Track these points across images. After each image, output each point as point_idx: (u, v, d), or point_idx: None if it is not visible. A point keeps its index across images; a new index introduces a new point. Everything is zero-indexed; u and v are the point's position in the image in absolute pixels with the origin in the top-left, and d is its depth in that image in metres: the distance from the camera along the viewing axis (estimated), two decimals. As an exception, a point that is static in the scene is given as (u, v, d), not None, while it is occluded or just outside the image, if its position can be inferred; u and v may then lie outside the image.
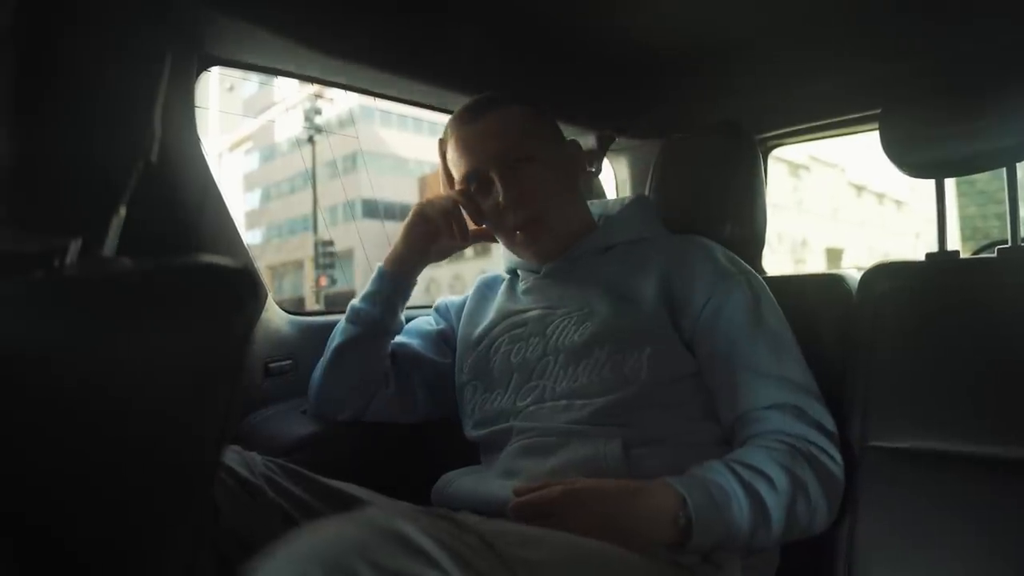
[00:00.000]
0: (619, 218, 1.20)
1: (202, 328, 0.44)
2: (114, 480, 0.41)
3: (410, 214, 1.17)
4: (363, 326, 1.15)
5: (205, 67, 1.14)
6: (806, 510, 0.92)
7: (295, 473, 0.92)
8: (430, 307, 1.36)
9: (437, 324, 1.30)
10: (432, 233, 1.16)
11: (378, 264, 1.19)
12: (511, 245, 1.19)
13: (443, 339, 1.28)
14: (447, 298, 1.35)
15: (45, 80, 0.44)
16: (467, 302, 1.29)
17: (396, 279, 1.17)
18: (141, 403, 0.41)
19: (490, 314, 1.20)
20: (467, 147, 1.13)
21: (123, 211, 0.49)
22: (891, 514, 1.01)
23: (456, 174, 1.16)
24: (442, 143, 1.18)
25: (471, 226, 1.17)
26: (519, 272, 1.24)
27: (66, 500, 0.39)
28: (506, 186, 1.09)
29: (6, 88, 0.43)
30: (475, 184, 1.13)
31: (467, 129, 1.13)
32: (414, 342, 1.25)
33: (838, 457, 0.98)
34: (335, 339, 1.17)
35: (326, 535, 0.44)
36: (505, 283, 1.25)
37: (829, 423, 0.99)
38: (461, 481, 1.05)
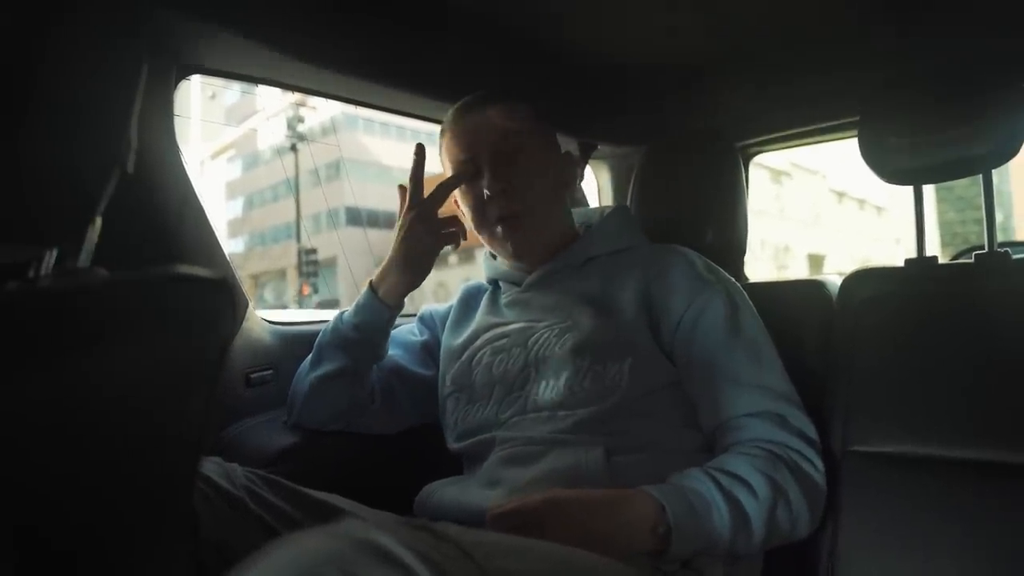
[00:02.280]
0: (600, 229, 1.19)
1: (178, 339, 0.43)
2: (88, 491, 0.40)
3: (401, 238, 1.12)
4: (355, 359, 1.14)
5: (184, 75, 1.13)
6: (787, 517, 0.92)
7: (276, 484, 0.91)
8: (414, 315, 1.35)
9: (421, 334, 1.29)
10: (436, 247, 1.13)
11: (367, 280, 1.15)
12: (491, 240, 1.17)
13: (427, 351, 1.27)
14: (432, 306, 1.34)
15: (17, 89, 0.43)
16: (452, 311, 1.28)
17: (393, 307, 1.14)
18: (115, 413, 0.41)
19: (472, 325, 1.20)
20: (463, 134, 1.13)
21: (99, 221, 0.49)
22: (873, 518, 1.01)
23: (450, 164, 1.15)
24: (441, 136, 1.18)
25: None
26: (501, 284, 1.23)
27: (39, 511, 0.38)
28: (494, 176, 1.09)
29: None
30: (468, 173, 1.12)
31: (466, 119, 1.14)
32: (399, 354, 1.24)
33: (820, 465, 0.98)
34: (320, 367, 1.14)
35: (304, 546, 0.44)
36: (487, 294, 1.24)
37: (810, 431, 1.00)
38: (444, 491, 1.04)
